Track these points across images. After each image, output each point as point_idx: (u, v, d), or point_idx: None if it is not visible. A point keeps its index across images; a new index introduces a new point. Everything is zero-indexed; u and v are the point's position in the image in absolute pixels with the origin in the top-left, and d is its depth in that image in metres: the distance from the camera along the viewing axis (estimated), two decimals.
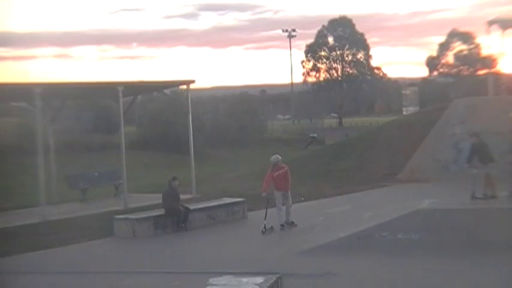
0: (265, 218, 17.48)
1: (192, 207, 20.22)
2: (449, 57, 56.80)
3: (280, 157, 18.76)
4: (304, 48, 65.39)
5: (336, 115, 64.84)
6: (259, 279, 12.16)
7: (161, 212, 19.68)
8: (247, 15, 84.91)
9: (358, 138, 37.13)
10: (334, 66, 64.44)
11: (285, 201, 18.33)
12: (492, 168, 19.94)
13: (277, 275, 12.28)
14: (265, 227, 17.39)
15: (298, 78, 65.28)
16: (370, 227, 17.53)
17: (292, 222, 18.22)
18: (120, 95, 24.58)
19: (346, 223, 18.52)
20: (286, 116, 66.44)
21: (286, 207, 18.41)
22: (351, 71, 64.06)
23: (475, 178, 19.75)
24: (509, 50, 30.96)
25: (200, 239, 18.20)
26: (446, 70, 56.26)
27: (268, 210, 18.15)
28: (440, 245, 15.25)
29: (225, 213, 20.69)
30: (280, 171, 18.39)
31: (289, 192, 18.53)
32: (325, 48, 65.43)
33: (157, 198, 20.66)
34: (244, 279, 12.40)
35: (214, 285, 12.54)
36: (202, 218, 20.02)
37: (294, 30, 64.94)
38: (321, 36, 64.60)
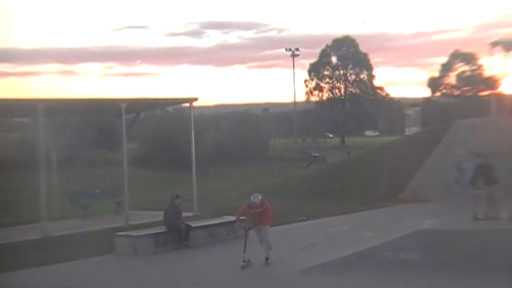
0: (244, 251, 16.38)
1: (193, 224, 20.26)
2: (452, 78, 56.95)
3: (260, 197, 17.40)
4: (307, 67, 65.71)
5: (331, 135, 64.95)
6: None
7: (162, 229, 19.69)
8: (251, 34, 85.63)
9: (360, 157, 37.17)
10: (337, 85, 64.69)
11: (260, 237, 16.94)
12: (495, 189, 19.99)
13: None
14: (244, 260, 16.26)
15: (301, 97, 65.55)
16: (372, 246, 17.41)
17: (266, 259, 16.66)
18: (123, 111, 24.64)
19: (348, 242, 18.47)
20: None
21: (263, 243, 17.00)
22: (353, 91, 64.29)
23: (476, 199, 19.76)
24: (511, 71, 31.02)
25: (201, 257, 18.17)
26: (448, 91, 56.35)
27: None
28: (441, 266, 15.24)
29: (226, 231, 20.63)
30: (258, 210, 17.04)
31: (266, 227, 17.07)
32: (328, 67, 65.69)
33: (158, 216, 20.72)
34: None
35: None
36: (203, 236, 20.02)
37: (297, 49, 65.22)
38: (324, 55, 64.83)
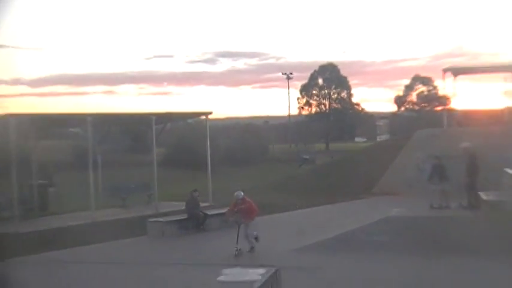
0: (236, 242, 15.48)
1: (209, 212, 20.27)
2: (413, 97, 57.06)
3: (242, 193, 16.60)
4: (299, 88, 65.66)
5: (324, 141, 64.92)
6: (261, 271, 12.10)
7: (184, 216, 19.72)
8: (255, 61, 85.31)
9: (342, 159, 37.14)
10: (323, 102, 64.65)
11: (246, 230, 15.87)
12: (446, 184, 20.11)
13: (276, 268, 12.28)
14: (236, 249, 15.39)
15: (295, 111, 65.50)
16: (351, 230, 17.53)
17: (252, 248, 15.73)
18: (153, 123, 24.68)
19: (331, 227, 18.43)
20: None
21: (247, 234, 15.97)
22: (336, 106, 64.23)
23: (433, 192, 19.87)
24: (459, 91, 31.03)
25: (215, 239, 18.15)
26: (410, 107, 56.47)
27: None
28: (405, 245, 15.25)
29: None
30: (242, 206, 16.14)
31: (251, 222, 16.07)
32: (316, 87, 65.67)
33: (181, 206, 20.72)
34: (250, 271, 12.39)
35: (227, 274, 12.55)
36: (216, 222, 19.97)
37: (291, 73, 65.12)
38: (312, 78, 64.88)
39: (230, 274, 12.47)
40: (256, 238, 15.84)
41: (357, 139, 54.57)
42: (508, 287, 11.64)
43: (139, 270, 14.50)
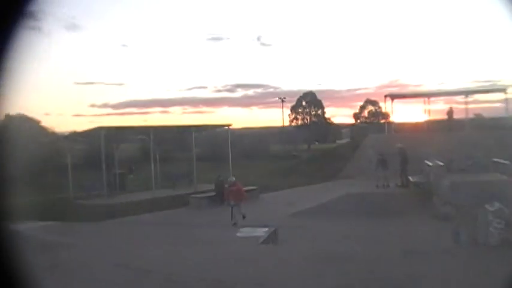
0: (231, 218, 14.55)
1: None
2: (365, 113, 56.85)
3: (234, 178, 15.80)
4: (290, 107, 65.49)
5: (317, 142, 63.76)
6: (265, 229, 12.33)
7: (213, 193, 19.81)
8: (260, 90, 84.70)
9: (319, 155, 36.95)
10: (306, 117, 64.26)
11: (238, 208, 14.91)
12: (387, 172, 20.11)
13: (275, 227, 12.47)
14: (232, 224, 14.25)
15: (287, 123, 65.68)
16: (325, 202, 17.52)
17: (235, 224, 14.31)
18: (193, 132, 24.92)
19: (310, 200, 18.43)
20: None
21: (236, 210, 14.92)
22: (314, 120, 63.77)
23: (378, 177, 19.88)
24: (395, 110, 31.00)
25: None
26: (364, 120, 56.28)
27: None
28: (359, 211, 15.37)
29: (248, 194, 20.63)
30: (233, 188, 15.14)
31: (240, 202, 15.00)
32: (301, 107, 65.21)
33: (211, 186, 20.74)
34: (257, 229, 12.58)
35: (242, 232, 12.75)
36: None
37: (285, 98, 64.75)
38: (299, 101, 64.52)
39: (244, 231, 12.69)
40: (243, 216, 14.74)
41: (338, 141, 53.11)
42: (423, 233, 11.74)
43: (184, 228, 14.59)
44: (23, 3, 3.12)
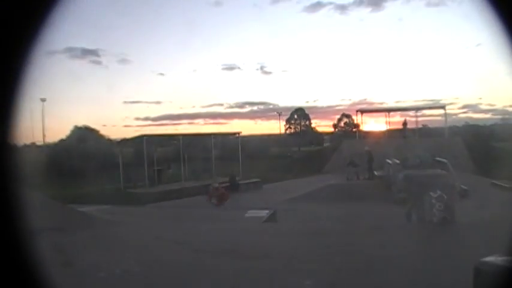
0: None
1: (240, 182, 20.33)
2: (342, 124, 56.55)
3: (217, 185, 14.84)
4: (285, 120, 65.31)
5: (313, 145, 63.17)
6: (266, 211, 12.35)
7: (228, 184, 19.78)
8: (263, 106, 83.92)
9: (307, 155, 36.90)
10: (297, 127, 63.86)
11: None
12: (357, 168, 20.07)
13: (274, 210, 12.50)
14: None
15: (283, 131, 65.80)
16: (312, 190, 17.43)
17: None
18: (212, 138, 24.93)
19: (301, 188, 18.39)
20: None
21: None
22: (304, 129, 63.38)
23: (349, 172, 19.88)
24: (364, 122, 31.00)
25: (243, 196, 18.10)
26: (340, 129, 56.01)
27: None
28: (337, 197, 15.34)
29: (253, 185, 20.63)
30: (216, 194, 14.16)
31: (221, 204, 14.08)
32: (293, 119, 64.77)
33: (226, 179, 20.65)
34: (261, 211, 12.58)
35: (249, 213, 12.71)
36: (244, 187, 20.06)
37: (281, 112, 64.61)
38: (292, 115, 63.95)
39: (251, 213, 12.69)
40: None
41: (325, 145, 52.20)
42: (384, 213, 11.52)
43: (205, 210, 14.41)
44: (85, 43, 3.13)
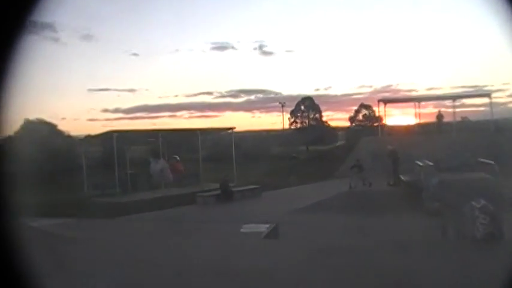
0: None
1: (234, 189, 20.38)
2: (360, 117, 56.70)
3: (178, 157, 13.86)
4: (289, 112, 65.30)
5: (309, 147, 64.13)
6: (267, 225, 12.31)
7: (219, 192, 19.85)
8: (261, 95, 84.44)
9: (315, 156, 37.01)
10: (304, 120, 63.97)
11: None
12: (363, 173, 20.34)
13: (275, 224, 12.47)
14: None
15: (286, 126, 65.61)
16: (322, 199, 17.59)
17: None
18: (199, 135, 24.97)
19: (309, 197, 18.50)
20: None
21: None
22: (312, 123, 63.53)
23: (353, 177, 20.19)
24: (388, 114, 31.11)
25: (238, 206, 18.20)
26: (359, 123, 56.15)
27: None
28: (356, 209, 15.41)
29: (250, 192, 20.66)
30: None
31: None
32: (300, 111, 64.94)
33: (217, 185, 20.74)
34: (260, 225, 12.54)
35: (245, 227, 12.69)
36: (239, 195, 20.12)
37: (284, 103, 64.69)
38: (297, 105, 64.31)
39: (247, 227, 12.64)
40: None
41: (338, 143, 52.28)
42: (413, 227, 11.75)
43: (191, 225, 14.45)
44: (38, 14, 3.11)
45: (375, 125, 40.85)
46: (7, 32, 2.61)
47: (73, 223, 14.18)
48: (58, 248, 8.36)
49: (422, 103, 31.96)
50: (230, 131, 27.27)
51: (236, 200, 19.43)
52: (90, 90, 77.44)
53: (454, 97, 31.14)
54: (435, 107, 32.42)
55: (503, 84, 63.31)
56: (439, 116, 30.10)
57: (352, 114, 64.94)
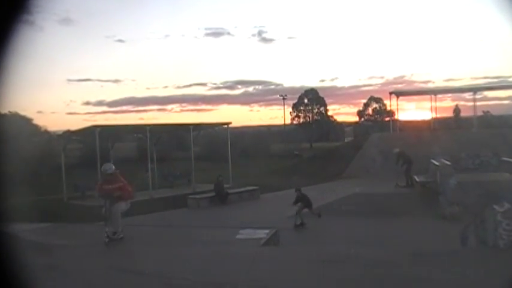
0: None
1: (230, 191, 20.42)
2: (370, 111, 56.82)
3: (113, 167, 10.86)
4: (291, 105, 65.39)
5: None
6: (266, 231, 12.28)
7: (213, 194, 19.86)
8: (261, 87, 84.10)
9: (321, 154, 36.98)
10: (307, 115, 64.09)
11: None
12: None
13: (275, 229, 12.43)
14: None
15: (288, 121, 65.55)
16: (328, 202, 17.57)
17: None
18: (191, 130, 24.93)
19: (315, 200, 18.39)
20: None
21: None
22: (317, 118, 63.70)
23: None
24: (400, 107, 31.12)
25: (234, 209, 18.23)
26: (368, 118, 56.27)
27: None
28: (366, 213, 15.41)
29: (248, 194, 20.74)
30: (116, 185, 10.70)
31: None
32: (303, 105, 65.12)
33: (211, 187, 20.76)
34: (258, 231, 12.51)
35: (242, 233, 12.66)
36: (235, 197, 20.19)
37: (286, 95, 64.81)
38: (300, 98, 64.38)
39: (244, 233, 12.59)
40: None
41: (346, 140, 52.35)
42: (429, 234, 11.76)
43: (182, 230, 14.30)
44: None
45: (386, 119, 40.92)
46: None
47: (49, 228, 14.05)
48: (34, 256, 8.30)
49: (439, 96, 31.97)
50: (226, 126, 27.27)
51: (232, 203, 19.48)
52: (69, 80, 77.44)
53: (475, 89, 31.03)
54: (453, 100, 32.54)
55: None
56: (457, 110, 30.13)
57: (361, 108, 65.10)
